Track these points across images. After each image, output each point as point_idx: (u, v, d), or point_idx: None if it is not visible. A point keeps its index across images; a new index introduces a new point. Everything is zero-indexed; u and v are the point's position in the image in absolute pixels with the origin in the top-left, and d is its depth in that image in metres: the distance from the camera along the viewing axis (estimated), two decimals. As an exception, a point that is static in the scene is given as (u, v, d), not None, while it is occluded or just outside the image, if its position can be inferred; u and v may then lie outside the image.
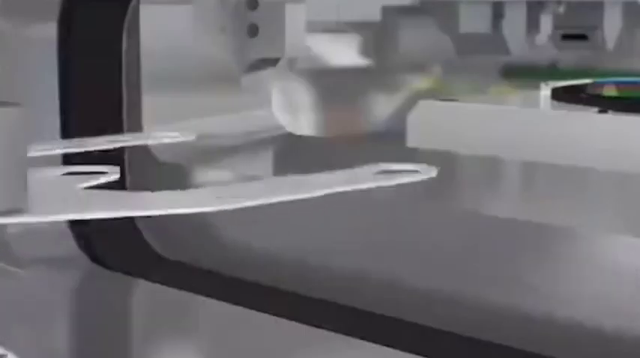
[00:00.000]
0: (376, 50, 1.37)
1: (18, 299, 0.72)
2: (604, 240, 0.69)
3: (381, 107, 1.35)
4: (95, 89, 0.85)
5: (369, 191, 0.44)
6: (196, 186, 0.92)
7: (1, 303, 0.47)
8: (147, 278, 0.80)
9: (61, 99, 0.83)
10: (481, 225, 0.73)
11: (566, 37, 1.41)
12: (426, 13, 1.34)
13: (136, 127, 0.87)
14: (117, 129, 0.84)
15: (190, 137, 0.58)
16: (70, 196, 0.51)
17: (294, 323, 0.68)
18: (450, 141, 1.02)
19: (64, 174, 0.54)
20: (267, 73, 0.98)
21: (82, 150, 0.57)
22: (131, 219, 0.87)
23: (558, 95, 1.12)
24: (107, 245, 0.85)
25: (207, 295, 0.74)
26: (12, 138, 0.46)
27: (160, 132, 0.61)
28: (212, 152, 0.97)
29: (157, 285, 0.79)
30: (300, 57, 1.05)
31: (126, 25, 0.84)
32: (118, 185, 0.57)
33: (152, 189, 0.46)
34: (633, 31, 1.42)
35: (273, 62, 0.98)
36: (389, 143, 1.18)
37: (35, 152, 0.53)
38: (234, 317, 0.71)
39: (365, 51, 1.37)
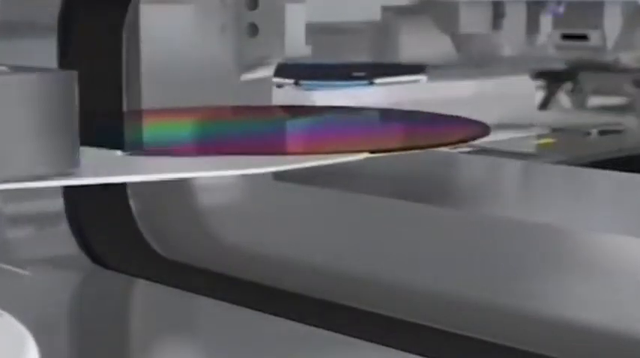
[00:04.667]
0: (376, 50, 1.37)
1: (18, 299, 0.72)
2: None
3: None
4: (95, 88, 0.85)
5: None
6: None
7: (2, 303, 0.47)
8: (147, 278, 0.80)
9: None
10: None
11: (566, 37, 1.41)
12: (426, 13, 1.34)
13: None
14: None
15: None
16: (114, 162, 0.52)
17: (294, 323, 0.68)
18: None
19: None
20: (267, 73, 0.98)
21: None
22: (131, 218, 0.87)
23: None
24: (107, 245, 0.85)
25: (207, 295, 0.74)
26: (66, 103, 0.47)
27: None
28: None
29: (157, 285, 0.79)
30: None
31: (125, 24, 0.84)
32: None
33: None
34: (633, 31, 1.42)
35: (273, 62, 0.98)
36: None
37: None
38: (234, 317, 0.71)
39: (364, 50, 1.37)
